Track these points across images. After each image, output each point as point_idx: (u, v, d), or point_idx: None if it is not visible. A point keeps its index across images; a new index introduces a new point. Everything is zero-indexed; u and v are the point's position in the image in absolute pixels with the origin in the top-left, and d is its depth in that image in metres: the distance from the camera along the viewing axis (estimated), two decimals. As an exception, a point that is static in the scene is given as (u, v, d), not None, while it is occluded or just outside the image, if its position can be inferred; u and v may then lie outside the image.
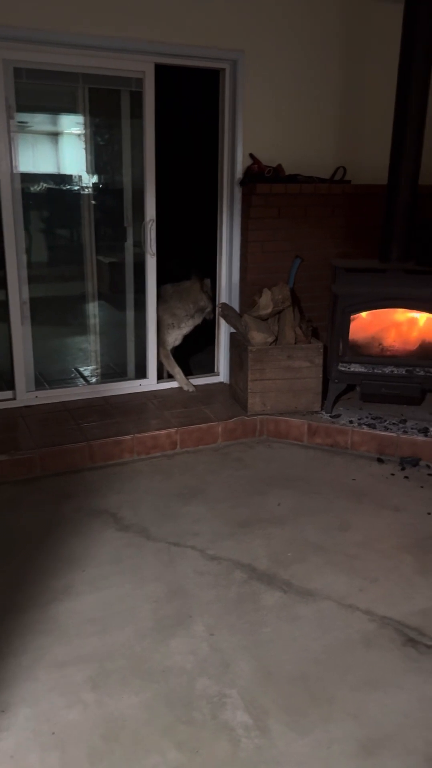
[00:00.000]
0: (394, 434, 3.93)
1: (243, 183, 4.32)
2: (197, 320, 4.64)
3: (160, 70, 4.08)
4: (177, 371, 4.57)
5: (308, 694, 2.16)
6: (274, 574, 2.79)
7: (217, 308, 4.59)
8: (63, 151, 4.46)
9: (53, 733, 2.01)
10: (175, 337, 4.60)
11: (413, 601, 2.64)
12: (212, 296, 4.62)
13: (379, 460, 3.91)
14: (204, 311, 4.60)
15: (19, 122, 3.90)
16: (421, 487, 3.60)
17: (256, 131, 4.30)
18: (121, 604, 2.58)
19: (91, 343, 4.76)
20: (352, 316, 4.16)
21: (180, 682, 2.20)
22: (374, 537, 3.10)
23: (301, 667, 2.28)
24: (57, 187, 4.37)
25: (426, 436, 3.90)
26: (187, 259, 5.56)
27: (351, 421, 4.09)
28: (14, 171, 3.89)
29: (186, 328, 4.62)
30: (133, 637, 2.40)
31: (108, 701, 2.12)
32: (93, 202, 4.41)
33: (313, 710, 2.10)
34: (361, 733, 2.02)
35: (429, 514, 3.31)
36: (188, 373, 4.86)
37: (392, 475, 3.73)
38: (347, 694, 2.17)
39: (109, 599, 2.60)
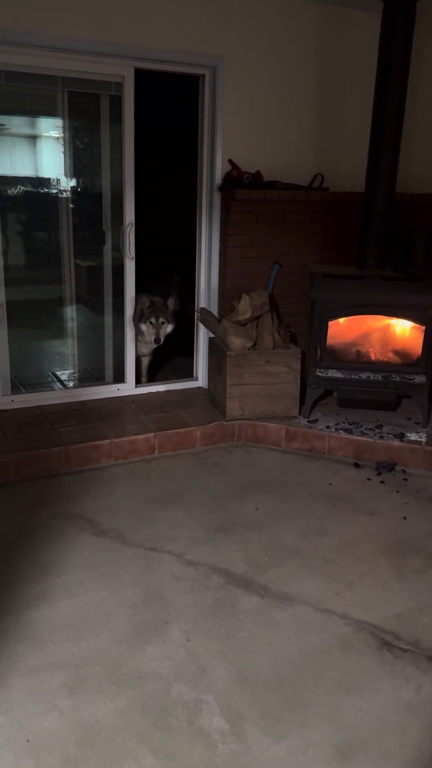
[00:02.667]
0: (371, 439, 3.97)
1: (222, 189, 4.33)
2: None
3: (141, 75, 4.09)
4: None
5: (284, 699, 2.17)
6: (251, 578, 2.79)
7: (196, 313, 4.59)
8: (41, 154, 4.44)
9: (28, 741, 1.98)
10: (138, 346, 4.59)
11: (389, 605, 2.66)
12: (155, 333, 4.41)
13: (356, 465, 3.93)
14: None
15: (-3, 124, 3.88)
16: (397, 491, 3.63)
17: (235, 137, 4.32)
18: (97, 610, 2.56)
19: (69, 347, 4.73)
20: (329, 322, 4.19)
21: (156, 688, 2.19)
22: (350, 541, 3.11)
23: (278, 671, 2.28)
24: (35, 190, 4.35)
25: (401, 441, 3.94)
26: (167, 268, 5.55)
27: (328, 426, 4.12)
28: (-8, 173, 3.87)
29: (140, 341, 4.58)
30: (109, 643, 2.38)
31: (83, 708, 2.10)
32: (71, 206, 4.39)
33: (288, 715, 2.10)
34: (337, 737, 2.03)
35: (404, 518, 3.34)
36: (166, 378, 4.85)
37: (368, 479, 3.76)
38: (323, 698, 2.18)
39: (85, 605, 2.58)
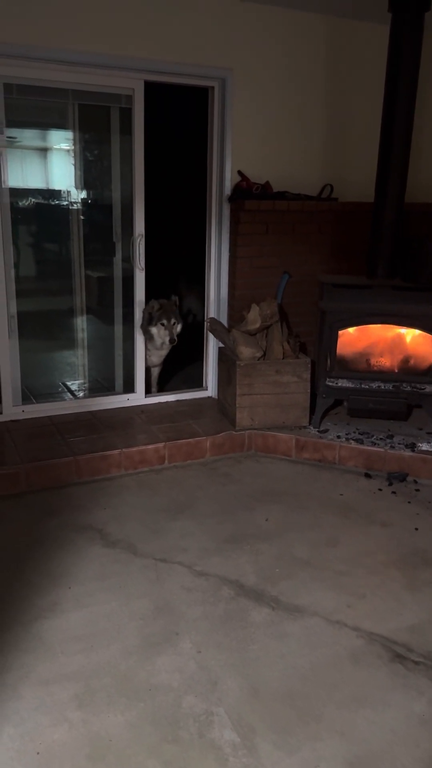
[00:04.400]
0: (382, 449, 3.94)
1: (231, 199, 4.35)
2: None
3: (150, 87, 4.12)
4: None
5: (296, 712, 2.15)
6: (261, 590, 2.78)
7: (206, 323, 4.60)
8: (52, 166, 4.47)
9: (38, 753, 1.97)
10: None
11: (401, 616, 2.63)
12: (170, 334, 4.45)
13: (367, 475, 3.91)
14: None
15: (8, 137, 3.91)
16: (408, 502, 3.60)
17: (244, 148, 4.34)
18: (107, 621, 2.55)
19: (79, 358, 4.75)
20: (339, 332, 4.18)
21: (166, 701, 2.18)
22: (362, 552, 3.09)
23: (289, 684, 2.27)
24: (46, 202, 4.38)
25: (413, 451, 3.92)
26: (177, 278, 5.57)
27: (338, 436, 4.10)
28: (3, 186, 3.90)
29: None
30: (119, 655, 2.37)
31: (94, 720, 2.09)
32: (82, 217, 4.42)
33: (300, 728, 2.09)
34: (349, 751, 2.01)
35: (416, 529, 3.31)
36: (176, 387, 4.86)
37: (380, 490, 3.74)
38: (335, 711, 2.16)
39: (95, 616, 2.58)
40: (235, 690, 2.23)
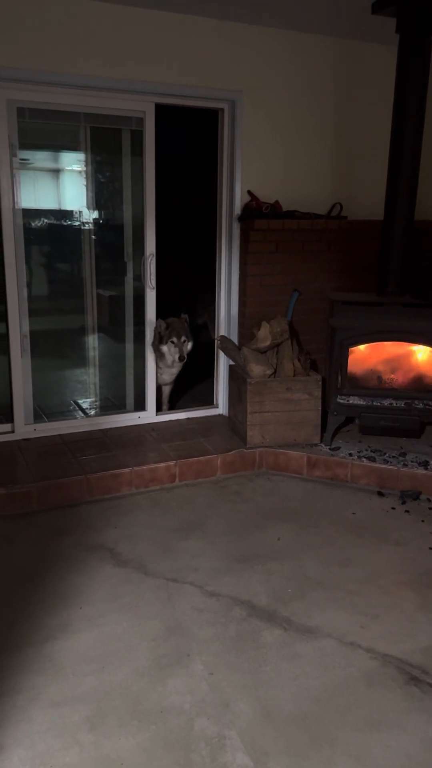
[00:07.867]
0: (394, 467, 3.92)
1: (241, 219, 4.38)
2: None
3: (161, 108, 4.17)
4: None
5: (309, 735, 2.12)
6: (273, 611, 2.75)
7: (216, 341, 4.62)
8: (64, 187, 4.53)
9: (48, 777, 1.96)
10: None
11: (415, 638, 2.60)
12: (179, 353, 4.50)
13: (380, 494, 3.88)
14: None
15: (21, 159, 3.97)
16: (422, 521, 3.57)
17: (254, 169, 4.38)
18: (119, 642, 2.54)
19: (90, 376, 4.77)
20: (350, 349, 4.18)
21: (178, 723, 2.15)
22: (375, 572, 3.06)
23: (302, 706, 2.24)
24: (58, 222, 4.43)
25: (426, 469, 3.89)
26: (187, 294, 5.59)
27: (350, 454, 4.08)
28: (16, 207, 3.96)
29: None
30: (131, 677, 2.35)
31: (105, 743, 2.07)
32: (93, 237, 4.47)
33: (314, 752, 2.05)
34: (364, 776, 1.97)
35: (430, 548, 3.27)
36: (187, 405, 4.87)
37: (393, 508, 3.71)
38: (349, 734, 2.12)
39: (107, 637, 2.56)
40: (248, 712, 2.20)
